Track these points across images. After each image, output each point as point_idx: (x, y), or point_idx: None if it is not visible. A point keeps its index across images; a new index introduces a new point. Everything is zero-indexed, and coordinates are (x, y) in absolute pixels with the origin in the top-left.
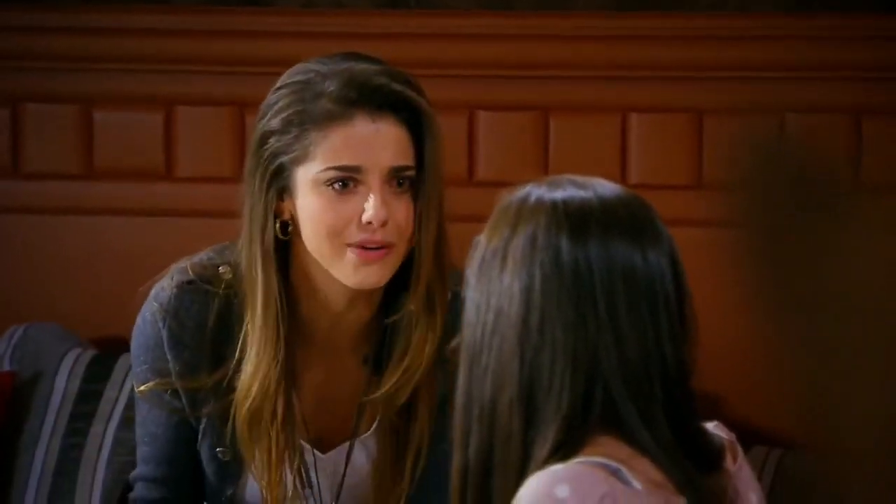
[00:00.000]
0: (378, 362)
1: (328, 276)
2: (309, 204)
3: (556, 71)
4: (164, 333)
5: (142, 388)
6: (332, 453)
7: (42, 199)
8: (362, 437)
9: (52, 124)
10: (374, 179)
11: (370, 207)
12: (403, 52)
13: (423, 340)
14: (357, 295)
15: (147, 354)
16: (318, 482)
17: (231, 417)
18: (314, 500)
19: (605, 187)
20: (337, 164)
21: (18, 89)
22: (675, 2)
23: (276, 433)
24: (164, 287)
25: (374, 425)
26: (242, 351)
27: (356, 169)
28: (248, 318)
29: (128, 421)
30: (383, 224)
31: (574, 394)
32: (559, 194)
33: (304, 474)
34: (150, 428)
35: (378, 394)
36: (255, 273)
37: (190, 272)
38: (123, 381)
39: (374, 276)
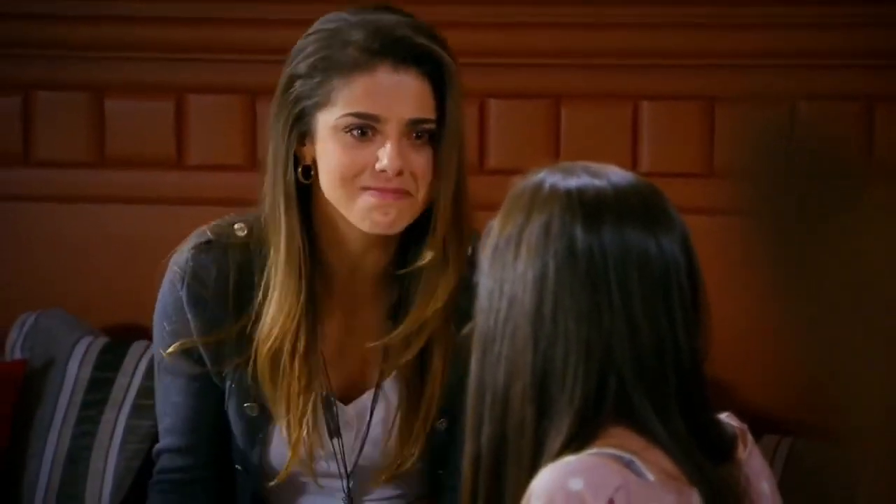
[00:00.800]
0: (396, 313)
1: (345, 222)
2: (327, 149)
3: (568, 59)
4: (184, 293)
5: (169, 350)
6: (353, 404)
7: (53, 187)
8: (385, 386)
9: (63, 112)
10: (392, 129)
11: (385, 156)
12: None
13: (436, 289)
14: (373, 241)
15: (168, 318)
16: (340, 434)
17: (255, 365)
18: (338, 451)
19: (619, 175)
20: (356, 110)
21: (29, 77)
22: None
23: (297, 372)
24: (181, 251)
25: (393, 375)
26: (265, 295)
27: (375, 118)
28: (270, 261)
29: (139, 409)
30: (399, 173)
31: (587, 384)
32: (573, 182)
33: (330, 422)
34: (171, 398)
35: (389, 338)
36: (279, 214)
37: (208, 233)
38: (135, 368)
39: (388, 218)
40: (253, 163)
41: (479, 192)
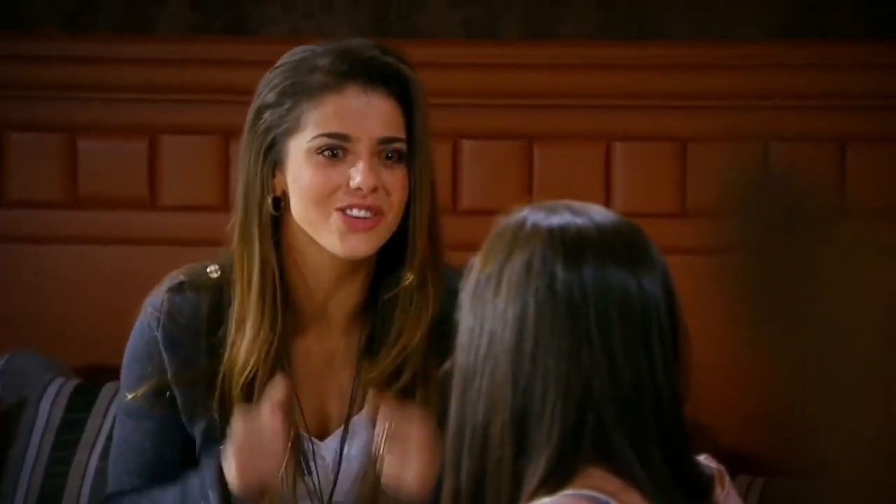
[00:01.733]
0: (371, 345)
1: (317, 251)
2: (300, 173)
3: (541, 100)
4: (160, 334)
5: (136, 393)
6: (329, 440)
7: (26, 226)
8: (357, 421)
9: (36, 152)
10: (363, 149)
11: (358, 173)
12: None
13: (418, 317)
14: (345, 271)
15: (139, 360)
16: (316, 471)
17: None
18: (314, 487)
19: (602, 214)
20: (327, 131)
21: (2, 117)
22: (659, 30)
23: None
24: (155, 294)
25: (364, 410)
26: (237, 329)
27: (345, 137)
28: (239, 297)
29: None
30: (374, 189)
31: (565, 422)
32: (555, 220)
33: (302, 461)
34: (134, 443)
35: (374, 374)
36: (252, 249)
37: (180, 276)
38: (107, 409)
39: (362, 245)
40: (226, 203)
41: (452, 232)
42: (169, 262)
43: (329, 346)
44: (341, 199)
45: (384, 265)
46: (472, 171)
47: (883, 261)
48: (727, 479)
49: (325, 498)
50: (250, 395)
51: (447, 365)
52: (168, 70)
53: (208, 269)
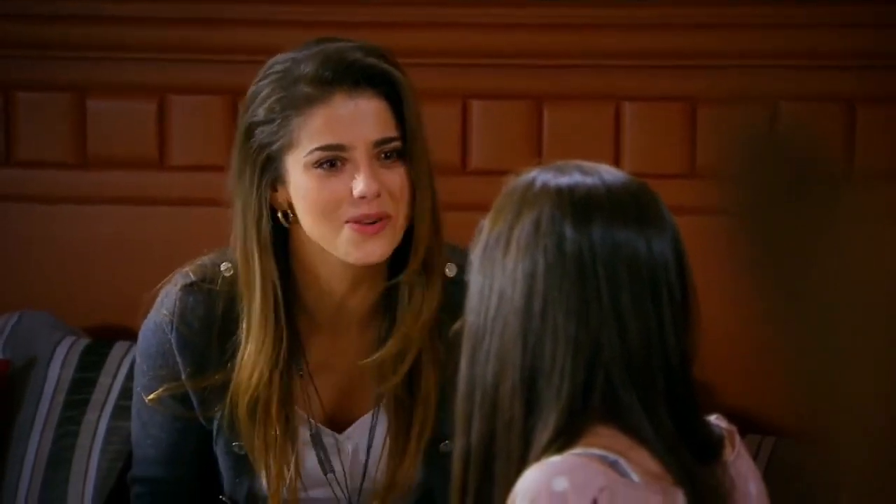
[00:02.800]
0: (385, 338)
1: (329, 262)
2: (301, 189)
3: (550, 60)
4: (173, 337)
5: (151, 396)
6: (349, 430)
7: (35, 187)
8: (379, 409)
9: (45, 113)
10: (360, 155)
11: (360, 182)
12: (396, 41)
13: (419, 309)
14: (360, 275)
15: (155, 361)
16: (341, 463)
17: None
18: (338, 483)
19: (612, 174)
20: (321, 144)
21: (11, 77)
22: None
23: (275, 422)
24: (168, 293)
25: (383, 401)
26: (245, 344)
27: (340, 147)
28: (246, 311)
29: (122, 409)
30: (377, 195)
31: (574, 381)
32: (565, 180)
33: (322, 459)
34: (152, 431)
35: (373, 359)
36: (253, 266)
37: (191, 275)
38: (117, 369)
39: (377, 249)
40: None
41: (461, 192)
42: (178, 221)
43: (347, 342)
44: (348, 211)
45: (397, 260)
46: (482, 131)
47: (891, 223)
48: (738, 438)
49: (356, 485)
50: (255, 410)
51: (457, 325)
52: (177, 30)
53: (222, 268)
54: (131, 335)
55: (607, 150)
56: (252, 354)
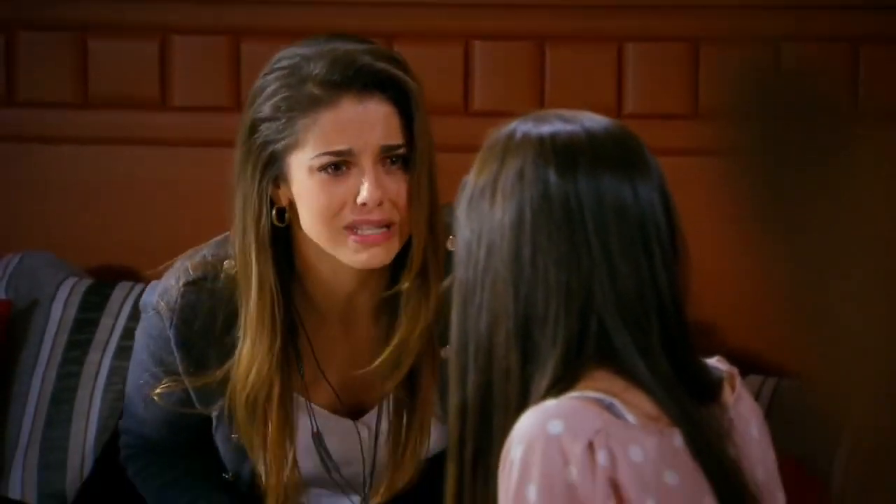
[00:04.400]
0: (391, 336)
1: (330, 260)
2: (305, 190)
3: (552, 0)
4: (171, 333)
5: (157, 391)
6: (366, 416)
7: (37, 127)
8: (382, 407)
9: (47, 52)
10: (366, 160)
11: (364, 189)
12: None
13: (417, 312)
14: (364, 277)
15: (153, 355)
16: (360, 449)
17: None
18: (342, 476)
19: (594, 121)
20: (328, 149)
21: (13, 17)
22: None
23: (274, 420)
24: (168, 288)
25: (388, 399)
26: (243, 342)
27: (347, 152)
28: (244, 310)
29: (124, 350)
30: (379, 204)
31: (569, 326)
32: (546, 129)
33: (325, 458)
34: (151, 408)
35: (366, 370)
36: (250, 263)
37: (192, 272)
38: (119, 309)
39: (378, 256)
40: (238, 104)
41: (463, 134)
42: (180, 162)
43: (357, 336)
44: (349, 217)
45: (403, 257)
46: (484, 72)
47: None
48: (738, 381)
49: (368, 470)
50: (253, 408)
51: (447, 282)
52: None
53: (225, 265)
54: (133, 276)
55: (609, 90)
56: (248, 351)
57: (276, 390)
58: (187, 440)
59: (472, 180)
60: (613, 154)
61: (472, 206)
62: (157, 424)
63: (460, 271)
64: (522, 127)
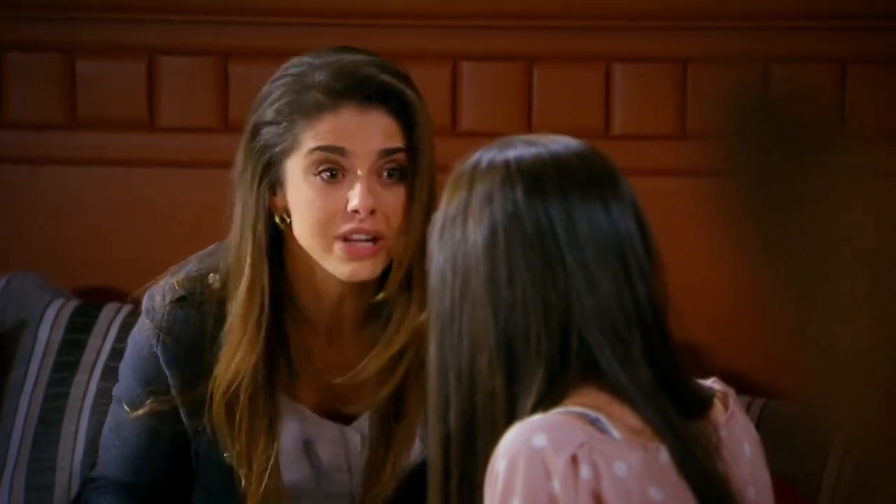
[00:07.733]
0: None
1: (323, 271)
2: (298, 195)
3: (541, 21)
4: (159, 350)
5: (138, 412)
6: (356, 423)
7: (24, 148)
8: (357, 419)
9: (34, 73)
10: (361, 165)
11: (355, 195)
12: (387, 3)
13: (400, 325)
14: (352, 286)
15: (142, 374)
16: (346, 456)
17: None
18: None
19: (558, 143)
20: (322, 144)
21: (1, 38)
22: None
23: (256, 426)
24: (155, 307)
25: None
26: (225, 345)
27: (342, 150)
28: (232, 314)
29: (111, 371)
30: (371, 212)
31: (551, 343)
32: (511, 153)
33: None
34: (124, 433)
35: (348, 376)
36: (244, 268)
37: (178, 288)
38: (107, 331)
39: (364, 269)
40: (225, 125)
41: (451, 154)
42: (167, 183)
43: (344, 347)
44: (340, 226)
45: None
46: (472, 92)
47: (882, 183)
48: (733, 400)
49: (355, 494)
50: (232, 410)
51: (423, 317)
52: None
53: (210, 280)
54: (121, 297)
55: (597, 111)
56: (229, 354)
57: (259, 392)
58: (154, 483)
59: (441, 211)
60: (580, 173)
61: (443, 235)
62: (126, 454)
63: (435, 302)
64: (487, 154)
